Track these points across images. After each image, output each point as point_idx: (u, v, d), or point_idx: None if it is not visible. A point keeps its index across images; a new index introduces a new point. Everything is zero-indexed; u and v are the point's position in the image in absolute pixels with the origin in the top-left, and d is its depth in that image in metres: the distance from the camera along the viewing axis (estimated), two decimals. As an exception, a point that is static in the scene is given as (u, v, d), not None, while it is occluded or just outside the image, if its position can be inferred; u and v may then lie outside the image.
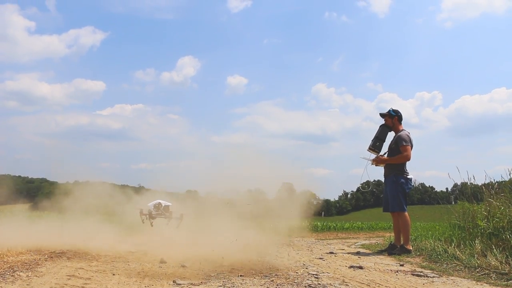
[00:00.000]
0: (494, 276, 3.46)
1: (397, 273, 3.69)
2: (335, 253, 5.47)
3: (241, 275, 3.47)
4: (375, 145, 5.62)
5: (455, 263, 4.09)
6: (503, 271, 3.51)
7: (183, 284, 3.08)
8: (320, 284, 3.12)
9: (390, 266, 4.14)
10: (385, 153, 5.62)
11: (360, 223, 18.83)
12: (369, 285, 3.13)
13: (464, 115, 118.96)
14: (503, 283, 3.22)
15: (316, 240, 8.93)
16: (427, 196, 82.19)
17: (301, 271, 3.73)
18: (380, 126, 5.69)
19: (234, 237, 6.11)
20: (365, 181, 5.89)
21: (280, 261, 4.50)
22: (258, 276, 3.46)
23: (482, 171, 5.67)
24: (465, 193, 5.64)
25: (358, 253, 5.52)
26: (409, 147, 5.36)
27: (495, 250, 4.08)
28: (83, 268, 3.69)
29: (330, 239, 10.03)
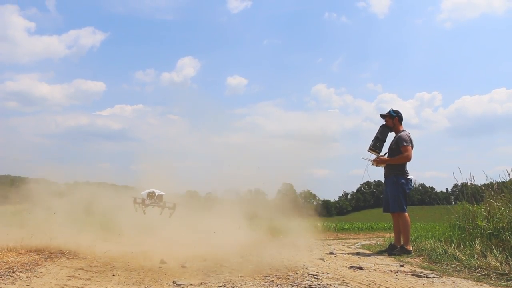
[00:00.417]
0: (494, 276, 3.46)
1: (397, 274, 3.69)
2: (335, 254, 5.47)
3: (241, 276, 3.47)
4: (376, 146, 5.62)
5: (455, 264, 4.09)
6: (503, 272, 3.51)
7: (183, 284, 3.08)
8: (320, 284, 3.12)
9: (390, 267, 4.14)
10: (385, 154, 5.62)
11: (360, 223, 18.85)
12: (369, 286, 3.13)
13: (464, 116, 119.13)
14: (503, 283, 3.22)
15: (316, 241, 8.92)
16: (427, 196, 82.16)
17: (301, 271, 3.73)
18: (381, 127, 5.68)
19: (234, 237, 6.11)
20: (365, 181, 5.88)
21: (280, 261, 4.50)
22: (258, 276, 3.46)
23: (482, 172, 5.67)
24: (465, 193, 5.64)
25: (358, 254, 5.52)
26: (410, 147, 5.36)
27: (495, 250, 4.07)
28: (83, 269, 3.69)
29: (330, 239, 10.03)
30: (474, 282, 3.30)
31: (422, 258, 4.77)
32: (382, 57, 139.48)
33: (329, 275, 3.58)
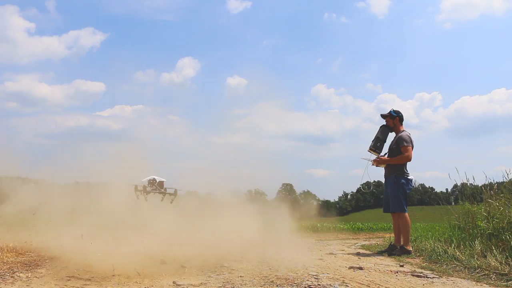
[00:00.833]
0: (494, 276, 3.46)
1: (397, 274, 3.69)
2: (335, 254, 5.47)
3: (241, 276, 3.47)
4: (376, 146, 5.62)
5: (455, 264, 4.09)
6: (503, 272, 3.51)
7: (183, 284, 3.08)
8: (320, 284, 3.12)
9: (390, 267, 4.14)
10: (385, 154, 5.62)
11: (360, 223, 18.82)
12: (369, 286, 3.13)
13: (464, 116, 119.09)
14: (503, 283, 3.22)
15: (316, 241, 8.92)
16: (427, 196, 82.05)
17: (301, 271, 3.73)
18: (381, 127, 5.69)
19: (234, 237, 6.11)
20: (365, 181, 5.88)
21: (280, 261, 4.50)
22: (258, 276, 3.46)
23: (482, 172, 5.68)
24: (465, 194, 5.65)
25: (358, 254, 5.52)
26: (410, 147, 5.37)
27: (495, 250, 4.07)
28: (82, 269, 3.69)
29: (330, 239, 10.03)
30: (474, 282, 3.30)
31: (422, 258, 4.77)
32: (382, 58, 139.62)
33: (329, 275, 3.58)
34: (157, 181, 7.44)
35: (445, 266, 4.12)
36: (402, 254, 5.12)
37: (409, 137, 5.44)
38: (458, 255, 4.32)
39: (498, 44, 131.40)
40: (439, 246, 4.98)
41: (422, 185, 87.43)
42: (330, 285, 3.12)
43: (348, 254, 5.53)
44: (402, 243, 5.35)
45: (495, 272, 3.54)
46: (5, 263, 3.90)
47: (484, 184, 5.50)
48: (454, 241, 4.92)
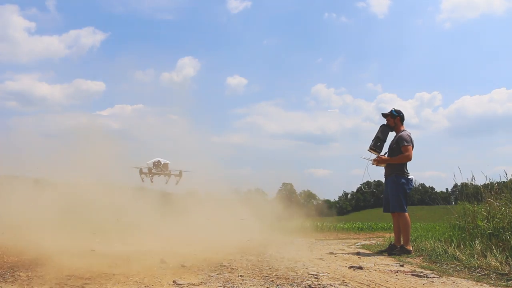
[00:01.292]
0: (494, 276, 3.46)
1: (397, 274, 3.69)
2: (335, 254, 5.47)
3: (241, 275, 3.47)
4: (376, 145, 5.61)
5: (455, 264, 4.09)
6: (503, 272, 3.51)
7: (183, 284, 3.08)
8: (320, 284, 3.12)
9: (390, 267, 4.14)
10: (385, 153, 5.62)
11: (360, 223, 18.81)
12: (369, 286, 3.13)
13: (464, 116, 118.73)
14: (503, 283, 3.22)
15: (316, 240, 8.92)
16: (427, 196, 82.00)
17: (301, 271, 3.73)
18: (381, 126, 5.68)
19: (234, 237, 6.11)
20: (365, 181, 5.88)
21: (280, 261, 4.50)
22: (258, 276, 3.46)
23: (482, 172, 5.67)
24: (465, 193, 5.64)
25: (358, 254, 5.52)
26: (411, 147, 5.36)
27: (495, 250, 4.07)
28: (82, 268, 3.69)
29: (330, 239, 10.03)
30: (474, 282, 3.30)
31: (422, 258, 4.77)
32: (382, 57, 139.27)
33: (329, 275, 3.58)
34: (162, 163, 7.51)
35: (445, 266, 4.12)
36: (402, 253, 5.12)
37: (410, 136, 5.44)
38: (458, 255, 4.32)
39: (498, 44, 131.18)
40: (439, 245, 4.98)
41: (422, 185, 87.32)
42: (330, 284, 3.12)
43: (348, 253, 5.53)
44: (402, 243, 5.35)
45: (495, 272, 3.54)
46: (6, 262, 3.90)
47: (485, 184, 5.50)
48: (454, 241, 4.91)
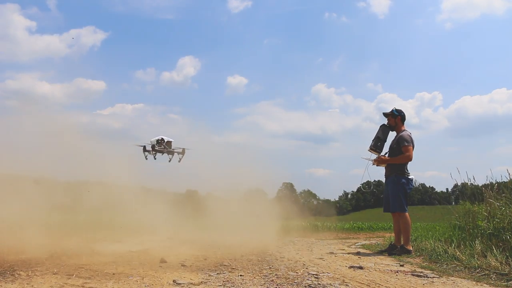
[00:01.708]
0: (494, 276, 3.46)
1: (397, 274, 3.69)
2: (335, 253, 5.47)
3: (241, 275, 3.47)
4: (376, 145, 5.61)
5: (455, 264, 4.09)
6: (503, 272, 3.51)
7: (183, 283, 3.08)
8: (320, 284, 3.12)
9: (390, 267, 4.14)
10: (386, 153, 5.61)
11: (360, 223, 18.80)
12: (369, 285, 3.13)
13: (464, 116, 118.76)
14: (503, 283, 3.22)
15: (316, 240, 8.92)
16: (427, 196, 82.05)
17: (301, 271, 3.73)
18: (381, 126, 5.67)
19: (234, 237, 6.11)
20: (365, 181, 5.87)
21: (280, 261, 4.50)
22: (258, 276, 3.46)
23: (482, 172, 5.68)
24: (465, 193, 5.64)
25: (358, 253, 5.52)
26: (411, 147, 5.36)
27: (495, 250, 4.07)
28: (83, 267, 3.69)
29: (330, 239, 10.02)
30: (474, 282, 3.30)
31: (422, 258, 4.77)
32: (382, 57, 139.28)
33: (329, 274, 3.58)
34: (165, 140, 7.56)
35: (445, 266, 4.12)
36: (402, 253, 5.12)
37: (410, 136, 5.43)
38: (458, 255, 4.32)
39: (498, 44, 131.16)
40: (439, 245, 4.98)
41: (423, 185, 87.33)
42: (330, 284, 3.12)
43: (348, 253, 5.53)
44: (402, 243, 5.35)
45: (495, 272, 3.54)
46: (6, 261, 3.91)
47: (485, 184, 5.50)
48: (455, 241, 4.91)
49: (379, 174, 5.87)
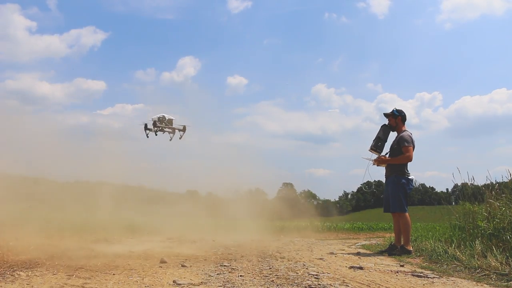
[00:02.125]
0: (494, 277, 3.45)
1: (397, 274, 3.69)
2: (335, 254, 5.47)
3: (241, 275, 3.47)
4: (377, 145, 5.60)
5: (455, 264, 4.09)
6: (503, 272, 3.50)
7: (183, 284, 3.08)
8: (320, 284, 3.11)
9: (391, 267, 4.14)
10: (386, 154, 5.61)
11: (360, 223, 18.82)
12: (369, 286, 3.13)
13: (464, 116, 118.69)
14: (503, 284, 3.21)
15: (316, 240, 8.92)
16: (427, 196, 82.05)
17: (301, 271, 3.73)
18: (382, 127, 5.67)
19: (234, 237, 6.11)
20: (366, 181, 5.87)
21: (281, 261, 4.50)
22: (258, 276, 3.46)
23: (482, 172, 5.67)
24: (466, 193, 5.64)
25: (358, 254, 5.51)
26: (411, 147, 5.36)
27: (495, 251, 4.07)
28: (83, 268, 3.69)
29: (330, 239, 10.03)
30: (474, 283, 3.30)
31: (422, 258, 4.77)
32: (382, 57, 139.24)
33: (329, 275, 3.57)
34: (167, 118, 7.60)
35: (445, 266, 4.12)
36: (403, 254, 5.12)
37: (410, 137, 5.43)
38: (458, 255, 4.32)
39: (498, 44, 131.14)
40: (439, 246, 4.97)
41: (423, 185, 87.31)
42: (330, 285, 3.11)
43: (349, 253, 5.53)
44: (402, 243, 5.35)
45: (495, 272, 3.54)
46: (5, 261, 3.90)
47: (485, 184, 5.49)
48: (455, 241, 4.91)
49: (379, 174, 5.87)
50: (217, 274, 3.55)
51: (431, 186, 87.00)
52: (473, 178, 5.70)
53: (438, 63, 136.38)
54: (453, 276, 3.58)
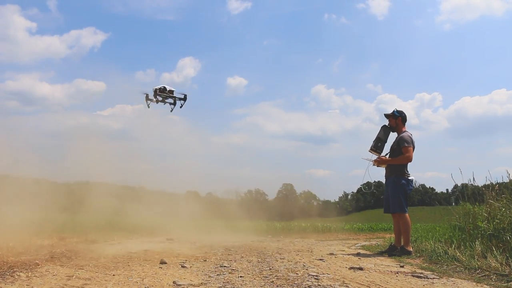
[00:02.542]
0: (494, 277, 3.45)
1: (397, 275, 3.69)
2: (335, 254, 5.47)
3: (241, 276, 3.47)
4: (377, 146, 5.61)
5: (455, 265, 4.09)
6: (503, 273, 3.50)
7: (183, 284, 3.07)
8: (320, 285, 3.11)
9: (390, 267, 4.14)
10: (386, 154, 5.61)
11: (360, 224, 18.83)
12: (369, 287, 3.13)
13: (464, 117, 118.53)
14: (504, 284, 3.21)
15: (316, 241, 8.92)
16: (427, 197, 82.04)
17: (301, 272, 3.73)
18: (382, 127, 5.68)
19: (234, 238, 6.10)
20: (366, 182, 5.87)
21: (280, 262, 4.50)
22: (258, 277, 3.46)
23: (482, 172, 5.68)
24: (466, 194, 5.64)
25: (358, 254, 5.51)
26: (411, 148, 5.36)
27: (495, 251, 4.07)
28: (83, 269, 3.69)
29: (330, 240, 10.02)
30: (474, 283, 3.30)
31: (422, 259, 4.77)
32: (382, 58, 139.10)
33: (329, 275, 3.57)
34: (168, 89, 7.69)
35: (445, 266, 4.12)
36: (403, 254, 5.12)
37: (410, 137, 5.43)
38: (458, 255, 4.31)
39: (498, 45, 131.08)
40: (439, 246, 4.97)
41: (423, 186, 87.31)
42: (330, 285, 3.11)
43: (349, 254, 5.53)
44: (402, 244, 5.35)
45: (495, 273, 3.54)
46: (5, 262, 3.90)
47: (485, 185, 5.50)
48: (455, 242, 4.91)
49: (379, 175, 5.87)
50: (217, 274, 3.55)
51: (431, 187, 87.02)
52: (474, 179, 5.71)
53: (437, 63, 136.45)
54: (453, 277, 3.58)
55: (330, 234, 13.37)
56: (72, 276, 3.31)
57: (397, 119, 5.59)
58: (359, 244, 7.85)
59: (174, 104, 7.72)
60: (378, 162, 5.56)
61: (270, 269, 3.91)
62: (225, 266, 4.05)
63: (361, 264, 4.36)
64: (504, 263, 3.73)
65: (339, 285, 3.14)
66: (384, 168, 5.60)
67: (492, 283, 3.29)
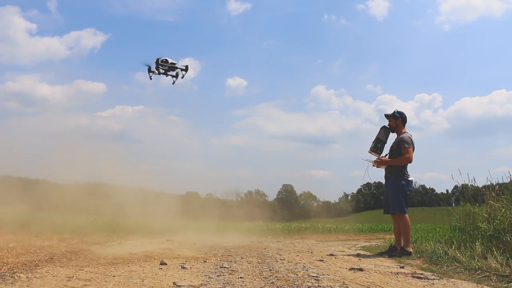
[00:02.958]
0: (494, 278, 3.45)
1: (397, 275, 3.69)
2: (335, 255, 5.47)
3: (241, 277, 3.47)
4: (377, 147, 5.61)
5: (456, 265, 4.08)
6: (503, 274, 3.50)
7: (183, 285, 3.07)
8: (320, 286, 3.11)
9: (391, 268, 4.13)
10: (386, 155, 5.61)
11: (360, 225, 18.81)
12: (369, 287, 3.13)
13: (464, 117, 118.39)
14: (504, 285, 3.21)
15: (316, 242, 8.91)
16: (427, 198, 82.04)
17: (301, 273, 3.73)
18: (382, 128, 5.68)
19: (234, 238, 6.10)
20: (365, 182, 5.87)
21: (280, 263, 4.50)
22: (258, 278, 3.45)
23: (482, 173, 5.68)
24: (466, 195, 5.64)
25: (358, 255, 5.51)
26: (411, 149, 5.36)
27: (495, 252, 4.07)
28: (83, 270, 3.69)
29: (330, 241, 10.01)
30: (474, 284, 3.30)
31: (423, 260, 4.77)
32: (381, 59, 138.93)
33: (329, 276, 3.57)
34: (169, 62, 7.82)
35: (445, 267, 4.11)
36: (403, 255, 5.11)
37: (410, 138, 5.43)
38: (458, 256, 4.31)
39: (498, 45, 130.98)
40: (439, 247, 4.97)
41: (423, 186, 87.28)
42: (331, 286, 3.11)
43: (349, 255, 5.53)
44: (402, 245, 5.34)
45: (495, 274, 3.54)
46: (5, 263, 3.90)
47: (485, 185, 5.50)
48: (455, 243, 4.90)
49: (379, 175, 5.87)
50: (217, 275, 3.54)
51: (431, 188, 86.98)
52: (474, 179, 5.71)
53: (437, 64, 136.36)
54: (453, 278, 3.58)
55: (330, 235, 13.36)
56: (72, 277, 3.31)
57: (397, 120, 5.59)
58: (359, 245, 7.85)
59: (176, 76, 7.91)
60: (378, 163, 5.56)
61: (270, 270, 3.91)
62: (225, 267, 4.05)
63: (361, 265, 4.36)
64: (504, 264, 3.73)
65: (339, 286, 3.14)
66: (384, 169, 5.60)
67: (493, 284, 3.29)
